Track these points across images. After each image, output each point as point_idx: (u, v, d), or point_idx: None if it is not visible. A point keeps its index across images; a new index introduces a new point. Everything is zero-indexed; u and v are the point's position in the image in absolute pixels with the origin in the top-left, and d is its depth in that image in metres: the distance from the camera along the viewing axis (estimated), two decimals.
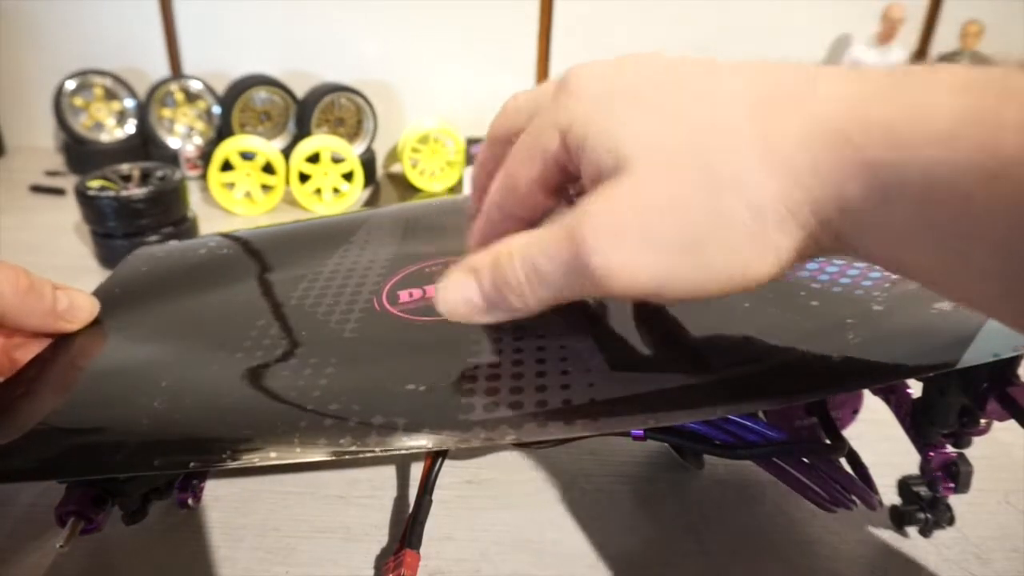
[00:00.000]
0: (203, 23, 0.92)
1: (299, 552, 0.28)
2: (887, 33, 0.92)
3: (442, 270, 0.29)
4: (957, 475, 0.26)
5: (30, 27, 0.91)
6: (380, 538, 0.29)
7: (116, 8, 0.90)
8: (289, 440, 0.20)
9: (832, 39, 0.98)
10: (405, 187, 0.84)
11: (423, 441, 0.20)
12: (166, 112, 0.86)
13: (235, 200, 0.71)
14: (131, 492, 0.24)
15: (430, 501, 0.26)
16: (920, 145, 0.14)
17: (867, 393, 0.31)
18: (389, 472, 0.32)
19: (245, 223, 0.68)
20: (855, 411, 0.31)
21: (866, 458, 0.26)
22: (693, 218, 0.17)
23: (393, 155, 0.96)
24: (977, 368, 0.22)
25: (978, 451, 0.26)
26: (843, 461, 0.25)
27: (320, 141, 0.74)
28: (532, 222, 0.22)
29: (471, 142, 0.82)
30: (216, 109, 0.85)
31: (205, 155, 0.79)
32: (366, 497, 0.31)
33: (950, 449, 0.26)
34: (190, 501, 0.29)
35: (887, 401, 0.29)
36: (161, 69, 0.93)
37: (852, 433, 0.27)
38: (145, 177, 0.58)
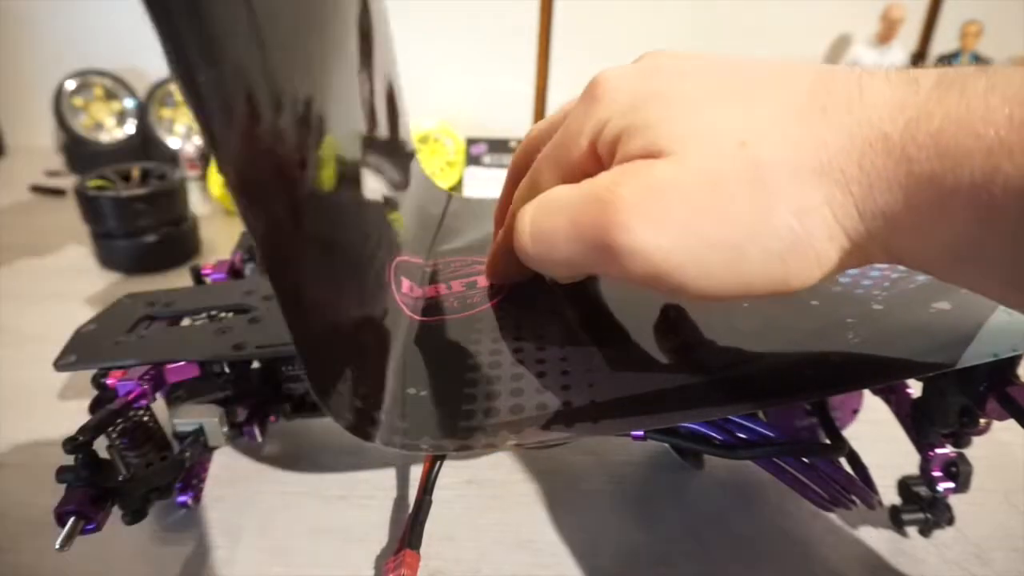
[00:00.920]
0: None
1: (299, 552, 0.28)
2: (887, 33, 0.92)
3: (441, 270, 0.30)
4: (957, 475, 0.26)
5: (30, 27, 0.91)
6: (380, 538, 0.29)
7: (116, 8, 0.90)
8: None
9: (832, 39, 0.98)
10: None
11: (423, 447, 0.20)
12: (166, 112, 0.86)
13: None
14: (131, 492, 0.24)
15: (430, 501, 0.26)
16: (973, 153, 0.13)
17: (867, 393, 0.30)
18: (389, 472, 0.32)
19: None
20: (855, 411, 0.31)
21: (866, 458, 0.26)
22: (737, 214, 0.16)
23: None
24: (977, 368, 0.22)
25: (978, 451, 0.26)
26: (843, 461, 0.25)
27: None
28: None
29: (471, 142, 0.82)
30: None
31: (205, 155, 0.79)
32: (366, 497, 0.31)
33: (950, 449, 0.26)
34: (189, 501, 0.29)
35: (887, 401, 0.29)
36: (161, 69, 0.92)
37: (852, 433, 0.27)
38: (145, 177, 0.58)
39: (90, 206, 0.54)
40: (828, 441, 0.25)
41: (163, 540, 0.28)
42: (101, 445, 0.23)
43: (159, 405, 0.27)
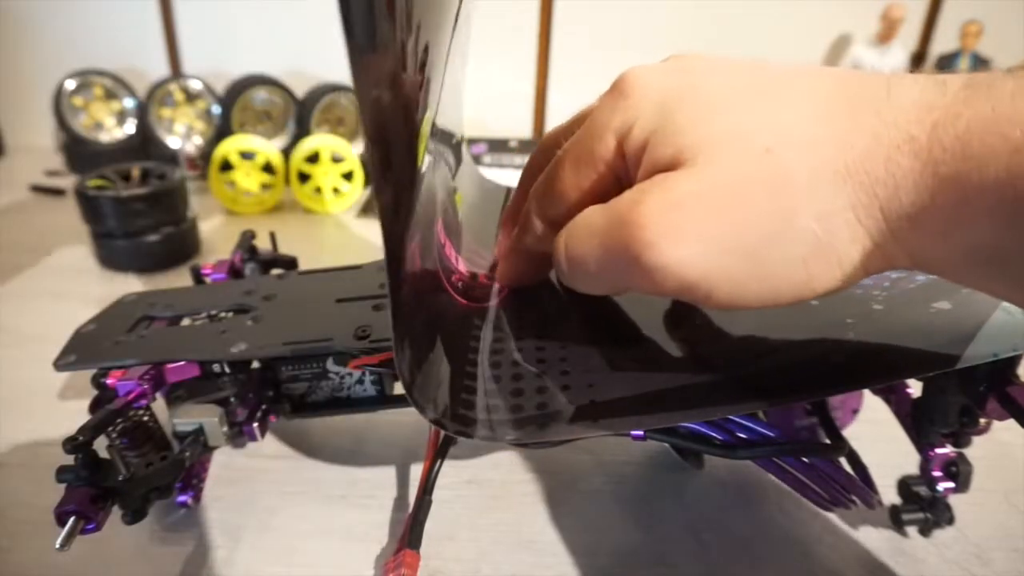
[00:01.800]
0: (203, 23, 0.92)
1: (299, 552, 0.28)
2: (887, 33, 0.92)
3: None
4: (957, 475, 0.26)
5: (30, 27, 0.91)
6: (380, 538, 0.29)
7: (116, 8, 0.90)
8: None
9: (832, 39, 0.98)
10: None
11: (424, 443, 0.20)
12: (166, 112, 0.86)
13: (235, 200, 0.71)
14: (131, 492, 0.24)
15: (430, 501, 0.26)
16: (999, 153, 0.13)
17: (867, 393, 0.30)
18: (389, 472, 0.32)
19: (245, 223, 0.68)
20: (855, 411, 0.31)
21: (866, 458, 0.26)
22: (758, 220, 0.16)
23: None
24: (977, 368, 0.22)
25: (978, 451, 0.26)
26: (843, 461, 0.25)
27: (320, 141, 0.74)
28: None
29: (471, 142, 0.82)
30: (216, 109, 0.85)
31: (205, 155, 0.79)
32: (366, 497, 0.31)
33: (950, 449, 0.26)
34: (189, 501, 0.29)
35: (887, 401, 0.29)
36: (161, 69, 0.92)
37: (852, 433, 0.27)
38: (145, 177, 0.58)
39: (90, 206, 0.54)
40: (828, 441, 0.25)
41: (163, 540, 0.28)
42: (101, 445, 0.23)
43: (159, 405, 0.27)
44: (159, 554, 0.28)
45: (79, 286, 0.52)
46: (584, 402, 0.20)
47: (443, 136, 0.28)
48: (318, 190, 0.75)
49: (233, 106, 0.82)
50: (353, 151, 0.76)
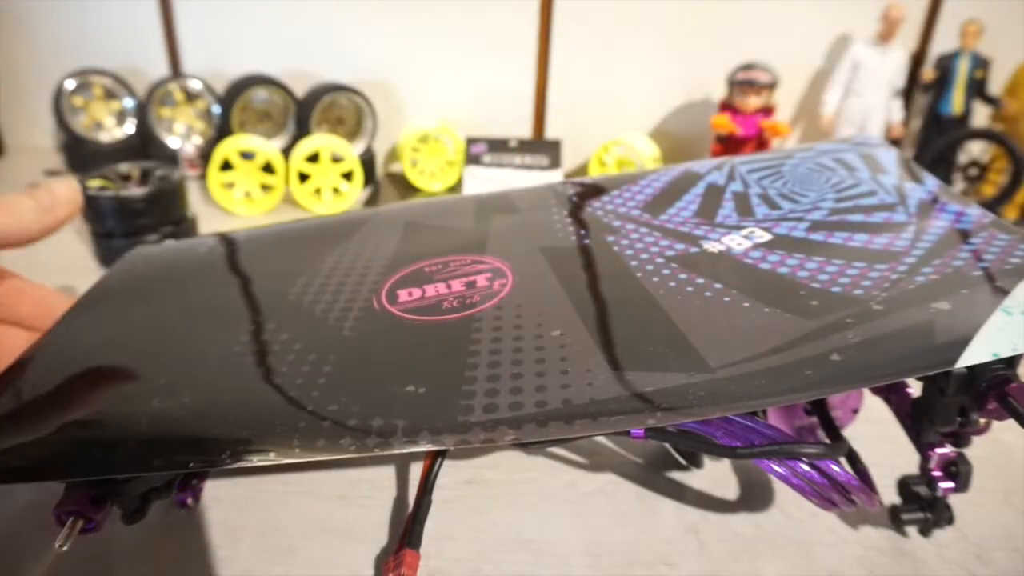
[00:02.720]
0: (203, 23, 0.92)
1: (299, 552, 0.28)
2: (887, 33, 0.92)
3: (441, 269, 0.30)
4: (957, 475, 0.26)
5: (30, 27, 0.91)
6: (380, 538, 0.29)
7: (116, 8, 0.90)
8: (288, 441, 0.20)
9: (832, 39, 0.98)
10: (405, 187, 0.84)
11: (423, 442, 0.20)
12: (166, 112, 0.86)
13: (235, 200, 0.71)
14: (130, 492, 0.24)
15: (430, 501, 0.26)
16: None
17: (867, 393, 0.31)
18: (389, 472, 0.32)
19: (245, 223, 0.68)
20: (855, 410, 0.31)
21: (866, 458, 0.26)
22: None
23: (393, 155, 0.96)
24: (976, 367, 0.22)
25: (978, 451, 0.26)
26: (843, 460, 0.25)
27: (320, 141, 0.74)
28: None
29: (471, 142, 0.82)
30: (216, 109, 0.85)
31: (205, 155, 0.79)
32: (366, 497, 0.31)
33: (950, 449, 0.26)
34: (189, 501, 0.29)
35: (887, 401, 0.29)
36: (161, 69, 0.92)
37: (852, 433, 0.27)
38: (145, 177, 0.58)
39: (90, 206, 0.54)
40: (828, 441, 0.25)
41: (163, 540, 0.28)
42: None
43: None
44: (159, 554, 0.28)
45: (79, 286, 0.52)
46: (584, 402, 0.20)
47: None
48: (318, 190, 0.75)
49: (233, 106, 0.82)
50: (353, 151, 0.76)
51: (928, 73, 0.97)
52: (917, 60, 1.00)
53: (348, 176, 0.76)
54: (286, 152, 0.76)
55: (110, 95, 0.87)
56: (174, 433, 0.21)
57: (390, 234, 0.34)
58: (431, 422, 0.20)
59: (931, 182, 0.33)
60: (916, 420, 0.27)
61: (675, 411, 0.20)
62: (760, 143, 0.89)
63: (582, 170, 0.92)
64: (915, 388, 0.27)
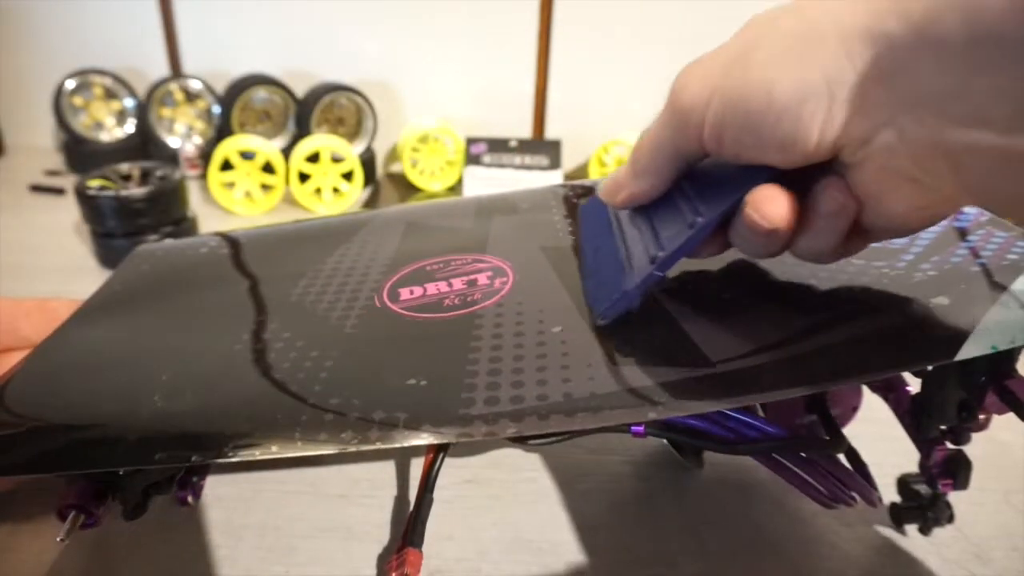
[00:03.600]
0: (203, 23, 0.92)
1: (299, 551, 0.28)
2: None
3: (443, 268, 0.30)
4: (956, 472, 0.26)
5: (30, 27, 0.91)
6: (381, 537, 0.29)
7: (116, 8, 0.90)
8: (290, 435, 0.20)
9: None
10: (405, 187, 0.84)
11: (424, 435, 0.20)
12: (166, 112, 0.86)
13: (235, 200, 0.71)
14: (131, 487, 0.24)
15: (431, 499, 0.26)
16: None
17: (866, 392, 0.31)
18: (389, 471, 0.32)
19: (245, 223, 0.68)
20: (855, 408, 0.31)
21: (866, 457, 0.27)
22: (747, 38, 0.19)
23: (393, 155, 0.96)
24: (975, 361, 0.22)
25: (978, 450, 0.26)
26: (842, 458, 0.25)
27: (320, 141, 0.74)
28: None
29: (471, 142, 0.82)
30: (216, 109, 0.85)
31: (205, 155, 0.79)
32: (367, 496, 0.31)
33: (949, 446, 0.27)
34: (189, 498, 0.29)
35: (886, 399, 0.29)
36: (161, 69, 0.92)
37: (852, 432, 0.27)
38: (145, 177, 0.58)
39: (90, 206, 0.54)
40: (828, 438, 0.25)
41: (163, 539, 0.28)
42: None
43: None
44: (159, 553, 0.28)
45: (79, 286, 0.52)
46: (584, 395, 0.20)
47: None
48: (318, 190, 0.75)
49: (233, 106, 0.82)
50: (353, 151, 0.76)
51: None
52: None
53: (348, 176, 0.76)
54: (286, 152, 0.76)
55: (110, 95, 0.87)
56: (176, 428, 0.21)
57: (391, 234, 0.34)
58: (433, 415, 0.20)
59: None
60: (916, 417, 0.27)
61: (675, 405, 0.20)
62: None
63: (582, 170, 0.92)
64: (914, 385, 0.27)
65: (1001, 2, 0.14)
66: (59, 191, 0.75)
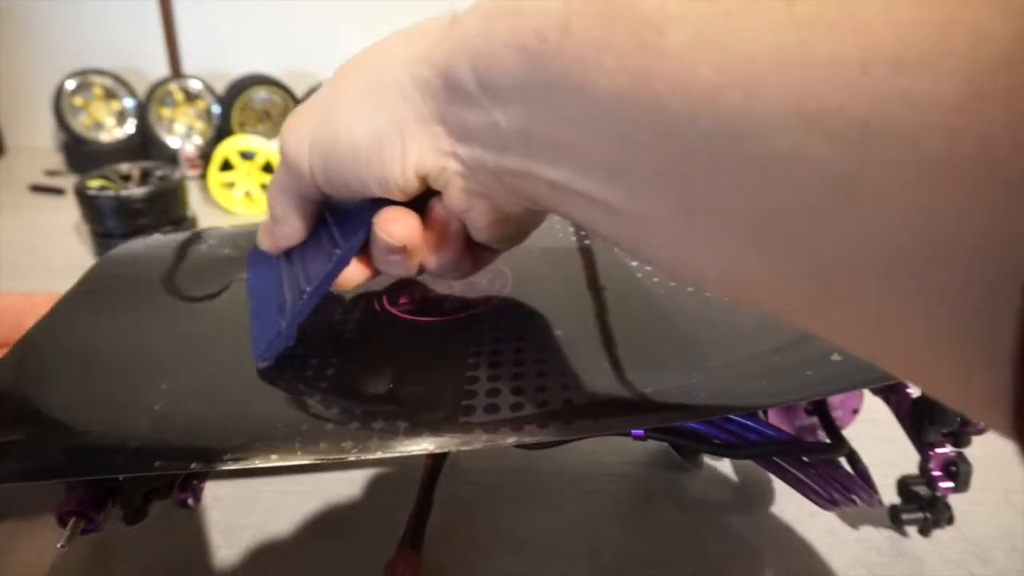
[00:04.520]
0: (203, 23, 0.92)
1: (299, 552, 0.28)
2: None
3: None
4: (956, 474, 0.26)
5: (30, 27, 0.91)
6: (380, 538, 0.29)
7: (116, 8, 0.90)
8: (290, 443, 0.20)
9: None
10: None
11: (424, 444, 0.20)
12: (166, 112, 0.86)
13: (235, 200, 0.71)
14: (131, 492, 0.24)
15: (431, 502, 0.26)
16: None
17: (867, 393, 0.31)
18: (389, 472, 0.32)
19: (245, 223, 0.68)
20: (855, 411, 0.31)
21: (866, 458, 0.26)
22: (334, 87, 0.21)
23: None
24: None
25: (978, 450, 0.26)
26: (843, 460, 0.25)
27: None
28: None
29: None
30: (216, 109, 0.85)
31: (205, 155, 0.79)
32: (366, 496, 0.31)
33: (949, 448, 0.27)
34: (190, 501, 0.29)
35: (887, 401, 0.29)
36: (161, 69, 0.92)
37: (852, 433, 0.27)
38: (145, 177, 0.58)
39: (90, 206, 0.54)
40: (828, 440, 0.25)
41: (163, 539, 0.28)
42: None
43: None
44: (160, 554, 0.28)
45: None
46: (584, 402, 0.20)
47: None
48: None
49: (233, 106, 0.82)
50: None
51: None
52: None
53: None
54: None
55: (110, 95, 0.87)
56: (175, 435, 0.21)
57: None
58: (433, 424, 0.20)
59: None
60: (916, 420, 0.27)
61: (676, 411, 0.20)
62: None
63: None
64: (915, 388, 0.27)
65: (500, 49, 0.16)
66: (59, 191, 0.75)
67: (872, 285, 0.11)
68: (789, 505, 0.31)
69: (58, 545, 0.21)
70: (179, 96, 0.86)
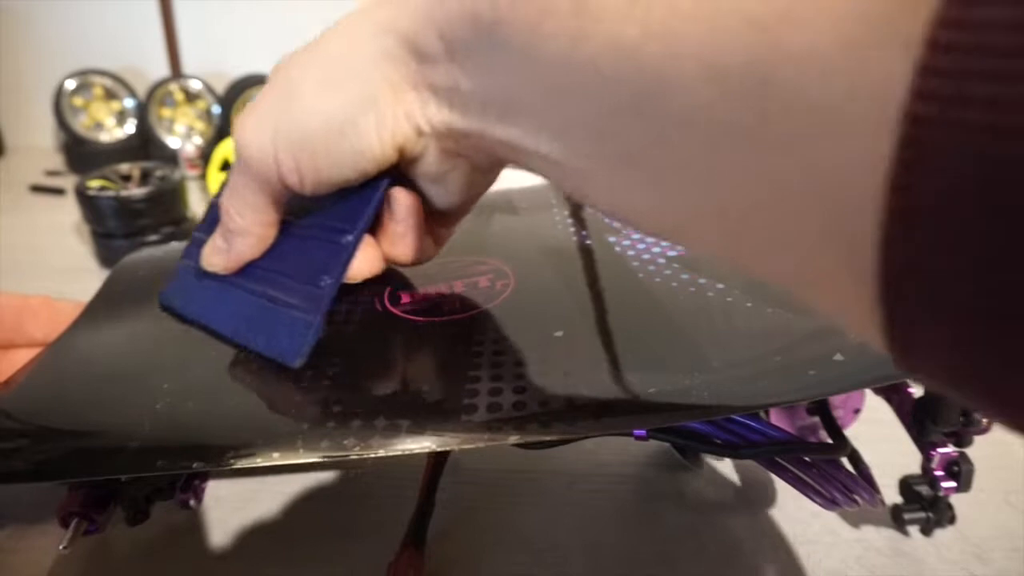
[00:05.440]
0: (203, 23, 0.92)
1: (299, 552, 0.28)
2: None
3: (442, 270, 0.30)
4: (958, 474, 0.26)
5: (30, 27, 0.91)
6: (381, 538, 0.29)
7: (116, 8, 0.90)
8: (292, 442, 0.20)
9: None
10: None
11: (426, 443, 0.20)
12: (166, 112, 0.86)
13: None
14: (133, 493, 0.24)
15: (433, 501, 0.26)
16: None
17: (869, 393, 0.31)
18: (391, 472, 0.32)
19: None
20: (857, 410, 0.31)
21: (867, 457, 0.26)
22: (286, 77, 0.21)
23: None
24: None
25: (979, 450, 0.26)
26: (844, 460, 0.25)
27: None
28: None
29: None
30: (216, 109, 0.85)
31: (205, 155, 0.79)
32: (367, 497, 0.31)
33: (951, 448, 0.27)
34: (191, 501, 0.29)
35: (889, 401, 0.29)
36: (161, 69, 0.92)
37: (854, 433, 0.27)
38: (145, 177, 0.58)
39: (90, 206, 0.54)
40: (830, 440, 0.25)
41: (164, 540, 0.28)
42: None
43: None
44: (160, 554, 0.28)
45: (79, 286, 0.52)
46: (587, 402, 0.20)
47: None
48: None
49: (233, 106, 0.82)
50: None
51: None
52: None
53: None
54: None
55: (110, 95, 0.86)
56: (177, 435, 0.21)
57: None
58: (435, 423, 0.20)
59: None
60: (918, 420, 0.27)
61: (678, 411, 0.20)
62: None
63: None
64: (917, 388, 0.27)
65: (456, 17, 0.17)
66: (59, 191, 0.75)
67: (772, 221, 0.12)
68: (789, 505, 0.31)
69: (60, 546, 0.21)
70: (179, 96, 0.86)
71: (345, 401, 0.22)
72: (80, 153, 0.84)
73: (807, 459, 0.24)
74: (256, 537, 0.29)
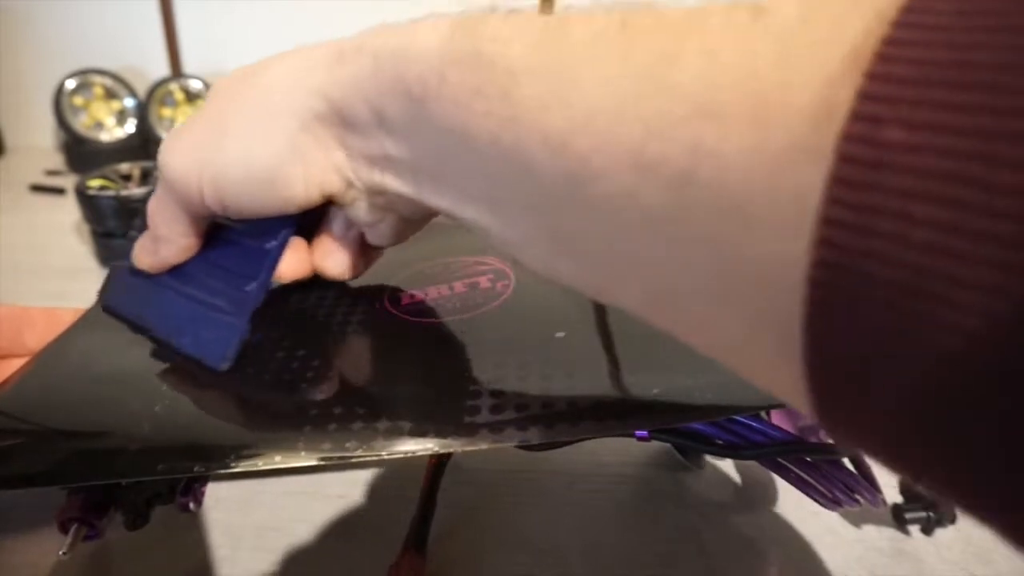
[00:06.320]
0: (203, 23, 0.92)
1: (299, 552, 0.28)
2: None
3: (443, 271, 0.30)
4: None
5: (30, 27, 0.91)
6: (381, 538, 0.29)
7: (116, 8, 0.90)
8: (293, 445, 0.20)
9: None
10: None
11: (429, 445, 0.20)
12: (166, 112, 0.86)
13: None
14: (133, 498, 0.24)
15: (434, 502, 0.26)
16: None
17: None
18: (391, 472, 0.32)
19: None
20: None
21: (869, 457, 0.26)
22: (219, 108, 0.21)
23: None
24: None
25: None
26: (846, 460, 0.25)
27: None
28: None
29: None
30: None
31: None
32: (368, 497, 0.31)
33: None
34: (191, 505, 0.29)
35: None
36: (161, 69, 0.92)
37: None
38: (145, 177, 0.58)
39: (91, 205, 0.54)
40: (832, 440, 0.25)
41: (163, 540, 0.28)
42: None
43: None
44: (160, 555, 0.28)
45: (79, 286, 0.52)
46: (589, 402, 0.20)
47: None
48: None
49: None
50: None
51: None
52: None
53: None
54: None
55: (110, 95, 0.86)
56: (177, 438, 0.21)
57: None
58: (438, 424, 0.20)
59: None
60: None
61: (680, 412, 0.20)
62: None
63: None
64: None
65: (388, 91, 0.17)
66: (59, 191, 0.75)
67: (696, 304, 0.13)
68: (790, 504, 0.30)
69: (60, 552, 0.21)
70: (179, 96, 0.86)
71: (346, 403, 0.22)
72: (80, 153, 0.84)
73: (809, 459, 0.24)
74: (258, 539, 0.29)
